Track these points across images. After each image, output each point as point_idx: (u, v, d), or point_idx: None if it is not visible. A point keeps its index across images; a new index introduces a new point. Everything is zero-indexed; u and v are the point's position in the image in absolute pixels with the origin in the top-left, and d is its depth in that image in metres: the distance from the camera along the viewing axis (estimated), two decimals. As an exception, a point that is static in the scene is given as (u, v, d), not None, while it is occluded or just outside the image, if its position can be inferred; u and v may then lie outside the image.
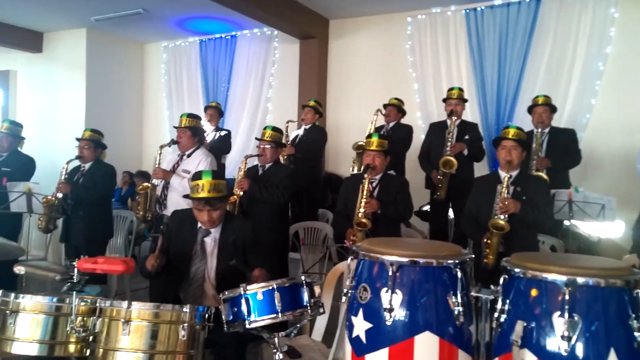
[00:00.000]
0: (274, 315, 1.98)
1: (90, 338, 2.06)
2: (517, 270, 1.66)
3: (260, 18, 6.00)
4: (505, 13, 5.60)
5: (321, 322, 2.76)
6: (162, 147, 4.09)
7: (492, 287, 1.76)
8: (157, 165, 3.97)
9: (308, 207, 5.13)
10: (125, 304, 1.98)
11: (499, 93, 5.63)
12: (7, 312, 2.06)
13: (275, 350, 2.08)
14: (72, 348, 2.07)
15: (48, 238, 4.49)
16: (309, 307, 2.05)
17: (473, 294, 1.78)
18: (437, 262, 1.76)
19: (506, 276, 1.70)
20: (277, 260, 3.81)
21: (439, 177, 4.35)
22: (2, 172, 4.39)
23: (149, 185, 3.95)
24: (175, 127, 4.10)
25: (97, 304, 2.05)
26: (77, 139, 4.25)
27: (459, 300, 1.72)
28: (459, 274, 1.75)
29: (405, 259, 1.77)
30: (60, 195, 4.05)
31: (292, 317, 2.04)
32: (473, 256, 1.85)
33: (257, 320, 1.99)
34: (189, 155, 4.00)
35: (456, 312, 1.72)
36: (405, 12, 6.13)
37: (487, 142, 5.15)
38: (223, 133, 5.48)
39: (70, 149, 6.31)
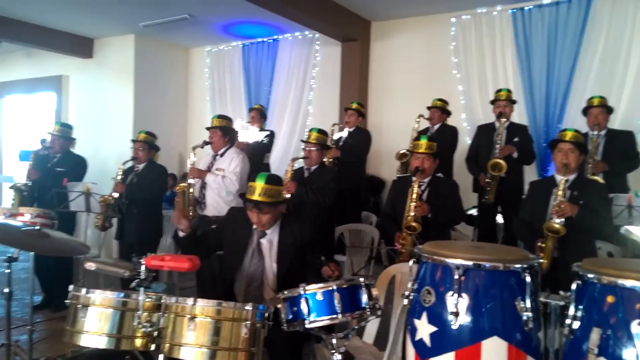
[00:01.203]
0: (334, 315, 1.99)
1: (155, 333, 2.12)
2: (590, 276, 1.61)
3: (302, 21, 6.05)
4: (554, 12, 5.43)
5: (373, 325, 2.75)
6: (194, 148, 4.21)
7: (561, 292, 1.72)
8: (191, 165, 4.10)
9: (352, 210, 5.13)
10: (190, 300, 2.02)
11: (547, 95, 5.46)
12: (79, 306, 2.14)
13: (333, 352, 2.09)
14: (138, 342, 2.12)
15: (102, 236, 4.67)
16: (368, 309, 2.06)
17: (542, 299, 1.74)
18: (504, 266, 1.74)
19: (579, 282, 1.65)
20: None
21: (487, 180, 4.26)
22: (56, 172, 4.58)
23: (186, 184, 4.08)
24: (206, 128, 4.23)
25: (163, 300, 2.11)
26: (133, 141, 4.40)
27: (528, 305, 1.69)
28: (528, 279, 1.72)
29: (470, 263, 1.75)
30: (116, 195, 4.21)
31: (351, 318, 2.04)
32: (541, 261, 1.82)
33: (317, 320, 2.00)
34: (222, 155, 4.13)
35: (525, 318, 1.69)
36: (449, 12, 6.04)
37: (536, 145, 5.01)
38: (266, 134, 5.58)
39: (119, 151, 6.55)
